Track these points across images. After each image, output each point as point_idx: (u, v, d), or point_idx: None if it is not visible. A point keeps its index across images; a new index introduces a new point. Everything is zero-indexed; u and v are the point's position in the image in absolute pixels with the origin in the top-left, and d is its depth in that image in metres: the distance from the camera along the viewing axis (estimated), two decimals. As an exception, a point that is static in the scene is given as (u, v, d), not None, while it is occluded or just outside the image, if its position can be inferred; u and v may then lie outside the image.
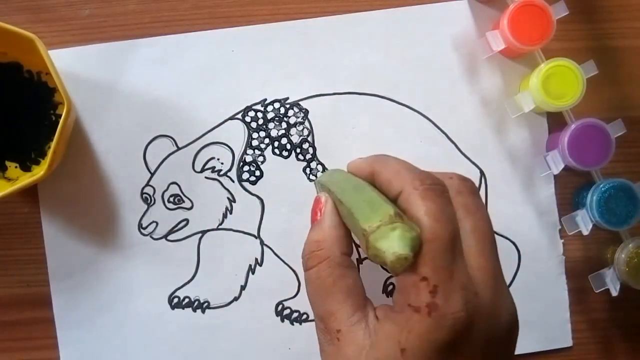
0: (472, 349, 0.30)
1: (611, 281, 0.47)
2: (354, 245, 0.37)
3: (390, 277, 0.50)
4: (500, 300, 0.32)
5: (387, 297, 0.51)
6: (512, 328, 0.33)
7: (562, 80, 0.46)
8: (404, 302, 0.30)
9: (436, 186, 0.32)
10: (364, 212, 0.32)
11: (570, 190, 0.51)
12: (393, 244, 0.29)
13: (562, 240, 0.51)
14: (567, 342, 0.51)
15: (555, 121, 0.50)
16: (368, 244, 0.31)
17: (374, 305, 0.34)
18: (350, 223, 0.35)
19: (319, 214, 0.37)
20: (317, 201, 0.38)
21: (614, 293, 0.47)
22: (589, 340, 0.51)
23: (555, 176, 0.50)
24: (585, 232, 0.47)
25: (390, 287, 0.51)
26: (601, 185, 0.47)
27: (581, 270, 0.51)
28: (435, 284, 0.30)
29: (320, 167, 0.50)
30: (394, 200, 0.34)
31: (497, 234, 0.50)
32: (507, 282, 0.49)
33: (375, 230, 0.30)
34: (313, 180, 0.50)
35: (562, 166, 0.47)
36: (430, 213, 0.31)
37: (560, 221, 0.50)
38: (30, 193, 0.50)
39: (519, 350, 0.50)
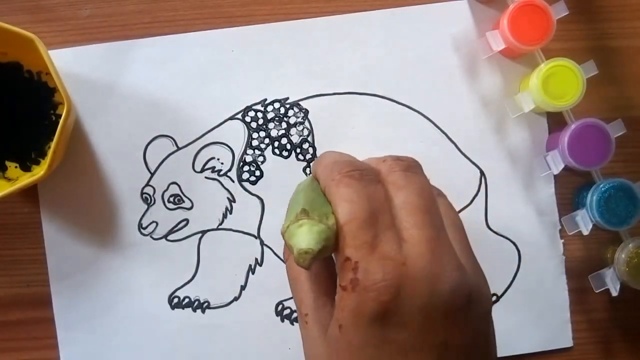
0: (405, 318, 0.30)
1: (611, 281, 0.47)
2: None
3: None
4: (439, 269, 0.31)
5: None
6: (457, 296, 0.31)
7: (562, 80, 0.46)
8: (338, 284, 0.31)
9: (353, 172, 0.33)
10: (288, 215, 0.34)
11: (570, 190, 0.51)
12: (298, 240, 0.31)
13: (563, 240, 0.51)
14: (568, 342, 0.51)
15: (555, 121, 0.50)
16: (285, 243, 0.32)
17: None
18: None
19: None
20: None
21: (614, 293, 0.47)
22: (589, 340, 0.51)
23: (555, 176, 0.49)
24: (585, 232, 0.47)
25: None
26: (601, 185, 0.46)
27: (581, 270, 0.51)
28: (357, 261, 0.30)
29: None
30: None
31: (497, 234, 0.50)
32: (507, 282, 0.50)
33: (286, 229, 0.32)
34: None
35: (562, 166, 0.47)
36: (343, 197, 0.32)
37: (560, 221, 0.50)
38: (30, 193, 0.50)
39: (519, 350, 0.50)
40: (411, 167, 0.35)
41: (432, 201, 0.33)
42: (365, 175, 0.33)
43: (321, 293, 0.34)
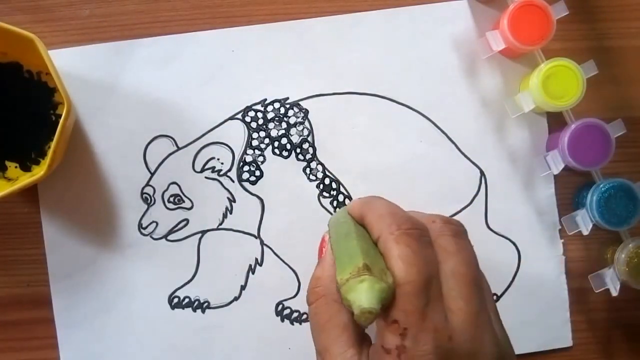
0: None
1: (611, 281, 0.47)
2: None
3: None
4: (480, 345, 0.31)
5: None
6: None
7: (562, 80, 0.46)
8: (379, 345, 0.31)
9: (413, 230, 0.32)
10: (342, 263, 0.32)
11: (571, 190, 0.51)
12: (360, 297, 0.30)
13: (562, 240, 0.50)
14: (567, 342, 0.50)
15: (555, 121, 0.50)
16: (342, 297, 0.31)
17: (373, 342, 0.34)
18: None
19: (323, 252, 0.38)
20: (323, 239, 0.39)
21: (614, 293, 0.47)
22: (589, 340, 0.51)
23: (555, 176, 0.49)
24: (585, 232, 0.46)
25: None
26: (601, 185, 0.46)
27: (581, 270, 0.50)
28: (405, 327, 0.30)
29: (320, 167, 0.50)
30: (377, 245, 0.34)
31: (497, 234, 0.50)
32: (507, 282, 0.50)
33: (345, 282, 0.31)
34: (313, 180, 0.50)
35: (562, 166, 0.47)
36: (403, 257, 0.31)
37: (560, 221, 0.50)
38: (30, 193, 0.49)
39: (519, 350, 0.49)
40: (460, 233, 0.34)
41: (479, 272, 0.33)
42: (423, 235, 0.33)
43: (350, 345, 0.33)
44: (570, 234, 0.47)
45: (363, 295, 0.30)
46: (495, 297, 0.50)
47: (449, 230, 0.34)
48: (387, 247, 0.32)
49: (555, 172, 0.47)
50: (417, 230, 0.32)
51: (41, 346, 0.49)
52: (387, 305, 0.30)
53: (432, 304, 0.30)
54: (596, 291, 0.48)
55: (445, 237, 0.33)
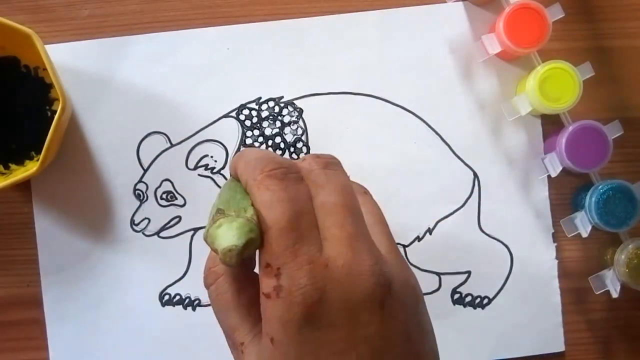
0: (332, 317, 0.27)
1: (611, 282, 0.44)
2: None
3: None
4: (358, 265, 0.28)
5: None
6: (378, 287, 0.28)
7: (559, 83, 0.43)
8: (261, 293, 0.28)
9: (276, 170, 0.29)
10: (208, 220, 0.30)
11: (569, 192, 0.47)
12: (220, 240, 0.27)
13: (555, 244, 0.47)
14: (560, 346, 0.46)
15: (553, 123, 0.46)
16: (211, 248, 0.28)
17: None
18: None
19: None
20: None
21: (615, 295, 0.44)
22: (590, 340, 0.47)
23: (553, 178, 0.45)
24: (585, 235, 0.43)
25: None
26: (599, 187, 0.43)
27: (581, 272, 0.47)
28: (278, 267, 0.27)
29: None
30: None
31: (490, 236, 0.46)
32: (499, 285, 0.46)
33: (206, 234, 0.28)
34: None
35: (560, 169, 0.44)
36: (264, 202, 0.28)
37: (553, 225, 0.46)
38: (28, 193, 0.46)
39: (511, 354, 0.46)
40: (330, 165, 0.32)
41: (352, 199, 0.31)
42: (288, 173, 0.30)
43: (258, 320, 0.30)
44: (569, 236, 0.44)
45: (221, 237, 0.27)
46: (487, 300, 0.46)
47: (317, 164, 0.31)
48: (251, 194, 0.29)
49: (554, 174, 0.44)
50: (280, 170, 0.29)
51: (41, 346, 0.45)
52: (255, 238, 0.28)
53: (304, 239, 0.28)
54: (596, 293, 0.45)
55: (314, 172, 0.31)
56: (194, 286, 0.45)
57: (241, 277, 0.31)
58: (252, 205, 0.28)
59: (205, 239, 0.28)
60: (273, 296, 0.27)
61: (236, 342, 0.30)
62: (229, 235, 0.27)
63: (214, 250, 0.28)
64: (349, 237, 0.29)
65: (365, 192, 0.34)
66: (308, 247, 0.28)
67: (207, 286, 0.32)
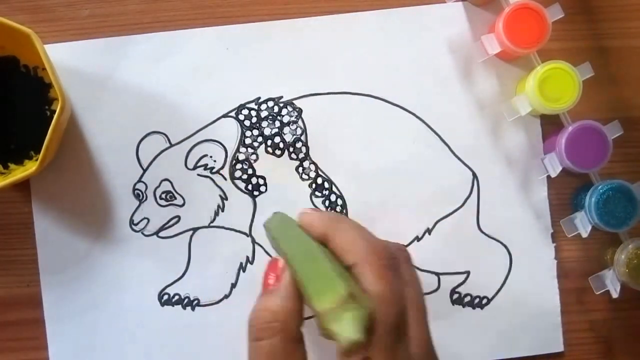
0: None
1: (611, 283, 0.44)
2: None
3: None
4: None
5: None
6: None
7: (558, 83, 0.42)
8: None
9: (391, 261, 0.30)
10: (317, 288, 0.28)
11: (569, 192, 0.47)
12: (346, 328, 0.26)
13: (555, 244, 0.46)
14: (559, 347, 0.46)
15: (552, 124, 0.46)
16: (321, 324, 0.28)
17: None
18: (303, 292, 0.31)
19: (271, 279, 0.33)
20: (273, 265, 0.33)
21: (615, 295, 0.44)
22: (590, 340, 0.47)
23: (553, 178, 0.45)
24: (585, 235, 0.43)
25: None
26: (599, 187, 0.43)
27: (581, 272, 0.47)
28: None
29: (312, 167, 0.45)
30: (347, 268, 0.30)
31: (489, 236, 0.46)
32: (498, 285, 0.46)
33: (328, 312, 0.27)
34: (305, 180, 0.45)
35: (559, 169, 0.43)
36: (383, 296, 0.29)
37: (552, 225, 0.46)
38: (28, 193, 0.45)
39: (510, 354, 0.46)
40: (410, 260, 0.33)
41: (424, 299, 0.32)
42: (398, 267, 0.30)
43: None
44: (569, 236, 0.44)
45: (349, 326, 0.26)
46: (485, 300, 0.46)
47: (404, 259, 0.32)
48: (366, 278, 0.29)
49: (553, 175, 0.44)
50: (393, 261, 0.30)
51: (41, 346, 0.45)
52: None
53: (401, 339, 0.29)
54: (596, 293, 0.44)
55: (403, 265, 0.31)
56: (193, 286, 0.45)
57: (297, 339, 0.30)
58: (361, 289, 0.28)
59: (322, 315, 0.27)
60: None
61: None
62: (355, 329, 0.26)
63: (327, 329, 0.27)
64: (428, 339, 0.30)
65: (407, 258, 0.34)
66: (404, 349, 0.29)
67: (259, 339, 0.30)
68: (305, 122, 0.45)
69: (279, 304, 0.30)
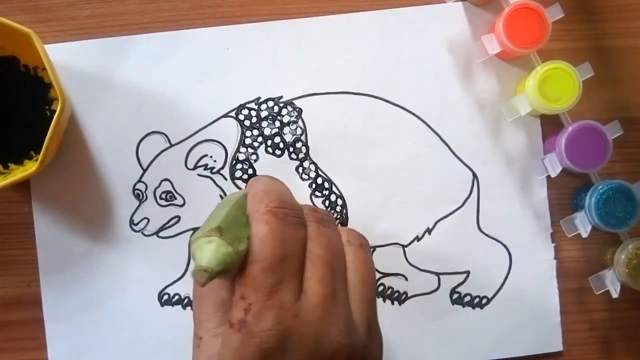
0: None
1: (611, 283, 0.43)
2: None
3: None
4: (326, 328, 0.29)
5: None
6: (338, 356, 0.29)
7: (558, 83, 0.42)
8: (228, 318, 0.29)
9: (279, 209, 0.30)
10: (204, 225, 0.30)
11: (568, 192, 0.46)
12: (202, 255, 0.27)
13: (554, 244, 0.46)
14: (558, 346, 0.46)
15: (552, 124, 0.46)
16: (191, 252, 0.29)
17: None
18: None
19: None
20: None
21: (615, 295, 0.43)
22: (590, 340, 0.47)
23: (552, 179, 0.45)
24: (585, 235, 0.42)
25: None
26: (599, 187, 0.42)
27: (581, 272, 0.46)
28: (250, 303, 0.28)
29: (312, 167, 0.45)
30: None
31: (489, 236, 0.46)
32: (497, 285, 0.46)
33: (195, 240, 0.28)
34: (305, 180, 0.45)
35: (559, 169, 0.43)
36: (258, 235, 0.29)
37: (552, 225, 0.46)
38: (28, 193, 0.45)
39: (509, 354, 0.45)
40: (324, 220, 0.32)
41: (338, 257, 0.31)
42: (291, 215, 0.30)
43: (222, 322, 0.30)
44: (569, 236, 0.43)
45: (205, 255, 0.27)
46: (485, 300, 0.46)
47: (312, 217, 0.32)
48: (251, 224, 0.30)
49: (553, 175, 0.43)
50: (283, 210, 0.30)
51: (41, 346, 0.45)
52: (232, 270, 0.28)
53: (284, 283, 0.29)
54: (596, 293, 0.44)
55: (310, 223, 0.32)
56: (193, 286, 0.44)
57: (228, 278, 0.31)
58: (248, 237, 0.29)
59: (191, 242, 0.28)
60: (236, 328, 0.27)
61: (197, 334, 0.30)
62: (210, 257, 0.27)
63: (193, 256, 0.28)
64: (325, 295, 0.29)
65: (361, 244, 0.34)
66: (285, 292, 0.28)
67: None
68: (305, 122, 0.45)
69: None
